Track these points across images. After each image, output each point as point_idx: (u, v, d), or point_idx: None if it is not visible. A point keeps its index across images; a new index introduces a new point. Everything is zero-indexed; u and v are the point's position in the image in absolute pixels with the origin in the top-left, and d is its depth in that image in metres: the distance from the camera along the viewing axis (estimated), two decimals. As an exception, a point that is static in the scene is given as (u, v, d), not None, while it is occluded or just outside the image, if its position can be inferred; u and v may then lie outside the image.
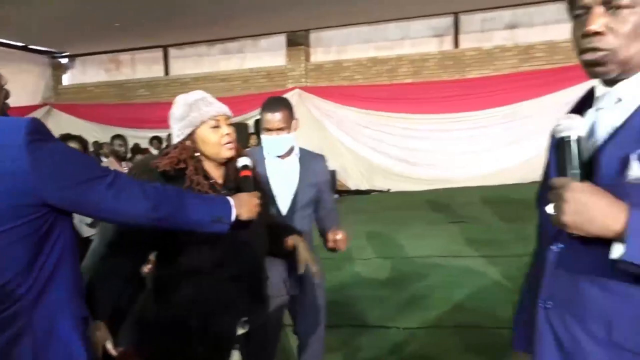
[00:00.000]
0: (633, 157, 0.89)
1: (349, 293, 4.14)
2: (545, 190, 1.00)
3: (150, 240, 1.59)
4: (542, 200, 1.07)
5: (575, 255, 0.97)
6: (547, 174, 1.08)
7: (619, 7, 0.91)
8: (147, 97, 12.10)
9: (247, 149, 2.56)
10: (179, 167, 1.60)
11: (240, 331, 1.65)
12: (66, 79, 13.28)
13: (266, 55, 11.45)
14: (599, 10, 0.92)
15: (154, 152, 8.27)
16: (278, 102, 2.22)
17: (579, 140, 0.94)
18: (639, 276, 0.87)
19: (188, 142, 1.64)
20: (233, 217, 1.41)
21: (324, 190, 2.36)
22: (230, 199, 1.44)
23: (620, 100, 0.96)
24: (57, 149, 1.17)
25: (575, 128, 0.95)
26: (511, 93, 9.05)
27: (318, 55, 11.21)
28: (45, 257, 1.17)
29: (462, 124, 9.59)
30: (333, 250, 2.19)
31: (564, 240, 0.98)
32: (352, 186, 10.43)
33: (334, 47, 11.07)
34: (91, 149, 7.87)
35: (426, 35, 10.40)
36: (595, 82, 1.03)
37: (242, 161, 1.66)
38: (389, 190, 10.04)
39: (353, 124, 10.30)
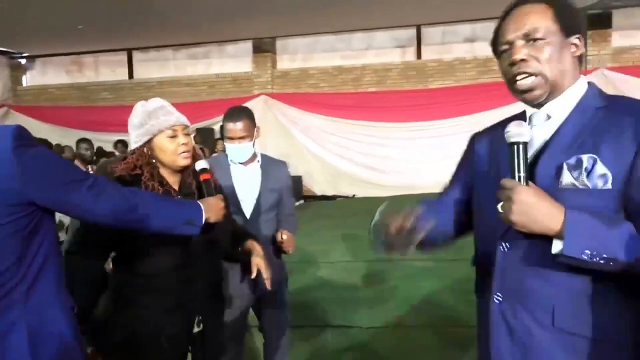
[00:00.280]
0: (565, 167, 1.05)
1: (313, 295, 4.25)
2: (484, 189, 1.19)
3: (109, 243, 1.64)
4: (483, 200, 1.20)
5: (521, 252, 1.10)
6: (458, 173, 1.37)
7: (535, 40, 1.09)
8: (111, 100, 11.89)
9: (214, 156, 2.66)
10: (134, 173, 1.64)
11: (196, 329, 1.72)
12: (25, 80, 12.92)
13: (232, 61, 11.48)
14: (520, 43, 1.10)
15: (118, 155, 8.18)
16: (239, 112, 2.29)
17: (525, 146, 1.06)
18: (574, 268, 1.02)
19: (145, 149, 1.67)
20: (203, 220, 1.50)
21: (285, 195, 2.46)
22: (200, 203, 1.53)
23: (549, 117, 1.13)
24: (41, 153, 1.26)
25: (523, 135, 1.06)
26: (472, 103, 9.36)
27: (284, 63, 11.31)
28: (35, 252, 1.26)
29: (426, 132, 9.87)
30: (283, 252, 2.32)
31: (511, 239, 1.11)
32: (318, 192, 10.54)
33: (300, 54, 11.19)
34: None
35: (389, 45, 10.67)
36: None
37: (200, 164, 1.71)
38: (354, 196, 10.20)
39: (319, 131, 10.43)
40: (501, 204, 1.05)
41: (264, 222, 2.36)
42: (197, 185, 1.73)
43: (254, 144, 2.32)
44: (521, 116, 1.20)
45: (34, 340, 1.23)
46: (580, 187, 1.03)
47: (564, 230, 0.98)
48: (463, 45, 10.25)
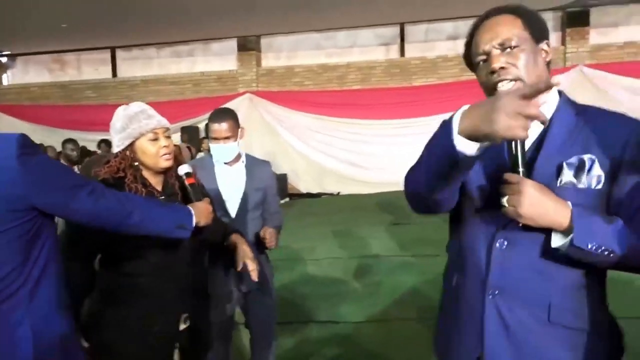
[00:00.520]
0: (565, 166, 1.10)
1: (300, 291, 4.32)
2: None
3: (96, 244, 1.69)
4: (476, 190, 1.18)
5: (519, 248, 1.13)
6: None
7: (511, 48, 1.14)
8: (94, 99, 11.78)
9: (198, 157, 2.72)
10: (118, 176, 1.70)
11: (182, 326, 1.77)
12: (6, 79, 12.74)
13: (217, 59, 11.45)
14: (496, 52, 1.15)
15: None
16: (224, 113, 2.38)
17: (523, 142, 1.07)
18: (569, 262, 1.07)
19: (128, 152, 1.72)
20: (194, 224, 1.58)
21: (270, 193, 2.53)
22: (190, 208, 1.61)
23: None
24: (44, 160, 1.33)
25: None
26: (455, 100, 9.49)
27: (269, 61, 11.32)
28: (37, 255, 1.33)
29: (410, 129, 9.95)
30: (266, 248, 2.37)
31: (509, 235, 1.13)
32: (303, 189, 10.58)
33: (284, 52, 11.21)
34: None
35: (374, 43, 10.75)
36: None
37: (183, 169, 1.78)
38: (339, 193, 10.27)
39: (304, 129, 10.46)
40: (506, 198, 1.06)
41: (249, 220, 2.42)
42: (180, 186, 1.79)
43: (238, 144, 2.39)
44: None
45: (38, 339, 1.30)
46: (580, 186, 1.09)
47: (573, 224, 1.02)
48: (446, 43, 10.36)
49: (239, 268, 1.92)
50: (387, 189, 9.13)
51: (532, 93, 0.93)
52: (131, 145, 1.72)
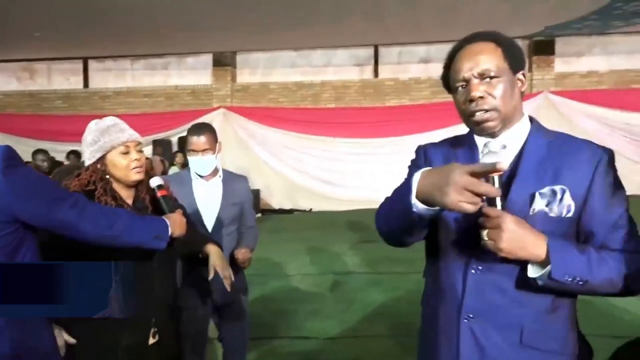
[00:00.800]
0: (537, 195, 1.13)
1: (271, 307, 4.32)
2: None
3: (67, 256, 1.65)
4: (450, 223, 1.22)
5: (493, 275, 1.17)
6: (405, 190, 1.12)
7: (490, 78, 1.17)
8: (64, 109, 11.56)
9: (174, 174, 2.74)
10: (88, 189, 1.69)
11: (151, 341, 1.76)
12: (-29, 86, 12.40)
13: (192, 73, 11.43)
14: (475, 81, 1.17)
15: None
16: (203, 126, 2.43)
17: (501, 175, 1.08)
18: (541, 289, 1.11)
19: (99, 165, 1.72)
20: (169, 235, 1.61)
21: (247, 208, 2.56)
22: (165, 219, 1.63)
23: (504, 146, 1.19)
24: (28, 173, 1.35)
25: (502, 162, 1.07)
26: (426, 121, 9.72)
27: (244, 77, 11.36)
28: None
29: (382, 148, 10.13)
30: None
31: (483, 262, 1.17)
32: (276, 205, 10.60)
33: (260, 69, 11.27)
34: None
35: (348, 63, 10.94)
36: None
37: (155, 181, 1.80)
38: (311, 209, 10.33)
39: (277, 145, 10.51)
40: (486, 231, 1.09)
41: (225, 235, 2.44)
42: (151, 199, 1.80)
43: (216, 157, 2.42)
44: (469, 136, 1.28)
45: (16, 351, 1.29)
46: (551, 215, 1.13)
47: (550, 257, 1.06)
48: (418, 66, 10.63)
49: (210, 277, 1.94)
50: (359, 206, 9.23)
51: (483, 172, 1.00)
52: (102, 158, 1.72)
